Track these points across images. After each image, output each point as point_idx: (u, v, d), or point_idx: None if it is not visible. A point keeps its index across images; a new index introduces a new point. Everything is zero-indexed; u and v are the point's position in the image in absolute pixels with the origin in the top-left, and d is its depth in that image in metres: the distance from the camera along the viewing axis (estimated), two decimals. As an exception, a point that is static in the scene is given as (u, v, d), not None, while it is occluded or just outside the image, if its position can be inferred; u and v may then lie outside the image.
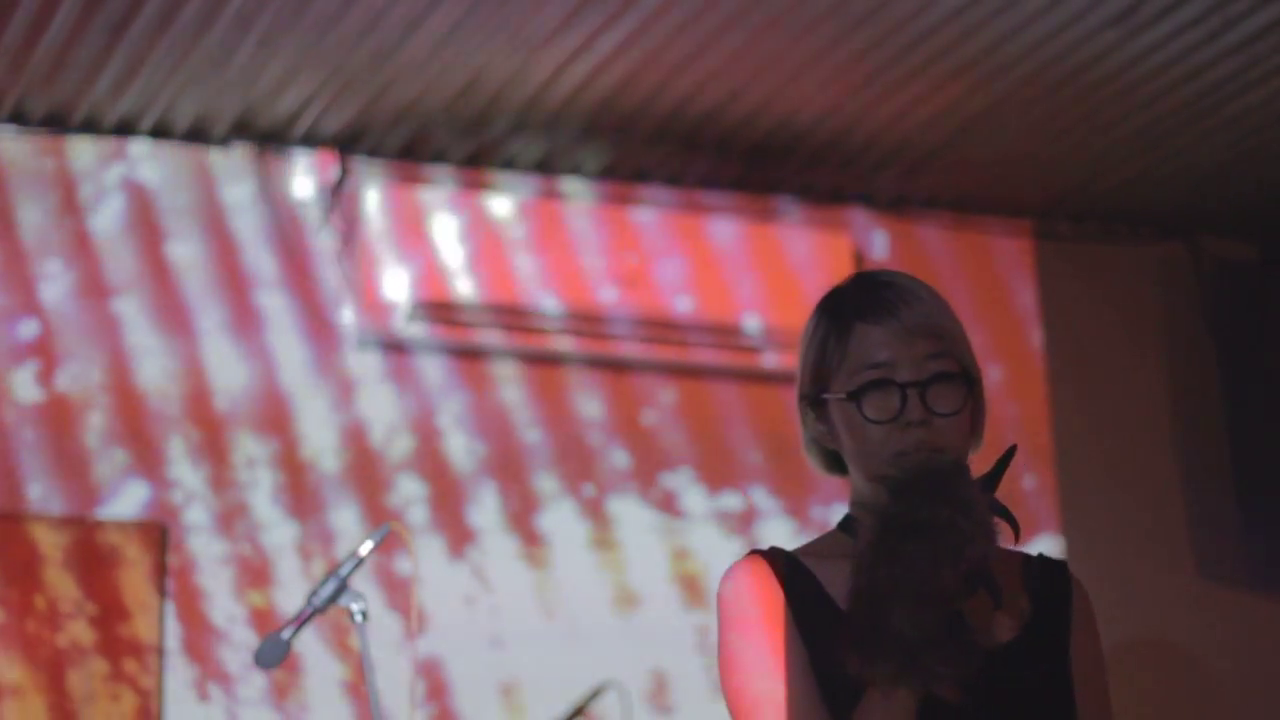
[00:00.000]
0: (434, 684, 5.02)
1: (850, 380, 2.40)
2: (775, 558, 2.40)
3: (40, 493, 4.88)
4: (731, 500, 5.40)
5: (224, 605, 4.95)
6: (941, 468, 2.34)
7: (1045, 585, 2.51)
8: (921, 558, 2.22)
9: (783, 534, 5.36)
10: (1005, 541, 2.36)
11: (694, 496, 5.37)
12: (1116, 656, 5.74)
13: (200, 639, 4.91)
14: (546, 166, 5.37)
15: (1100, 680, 2.56)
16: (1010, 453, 2.45)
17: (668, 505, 5.35)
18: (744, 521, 5.39)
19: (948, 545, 2.23)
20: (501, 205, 5.22)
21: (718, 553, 5.28)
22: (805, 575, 2.38)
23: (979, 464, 2.44)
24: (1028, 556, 2.53)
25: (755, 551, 2.41)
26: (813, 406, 2.46)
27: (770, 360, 5.40)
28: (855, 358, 2.41)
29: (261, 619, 4.91)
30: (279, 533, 5.03)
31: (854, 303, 2.44)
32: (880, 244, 5.64)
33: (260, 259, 5.15)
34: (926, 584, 2.21)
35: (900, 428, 2.38)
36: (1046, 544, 5.55)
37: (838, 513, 2.50)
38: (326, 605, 3.99)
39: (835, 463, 2.47)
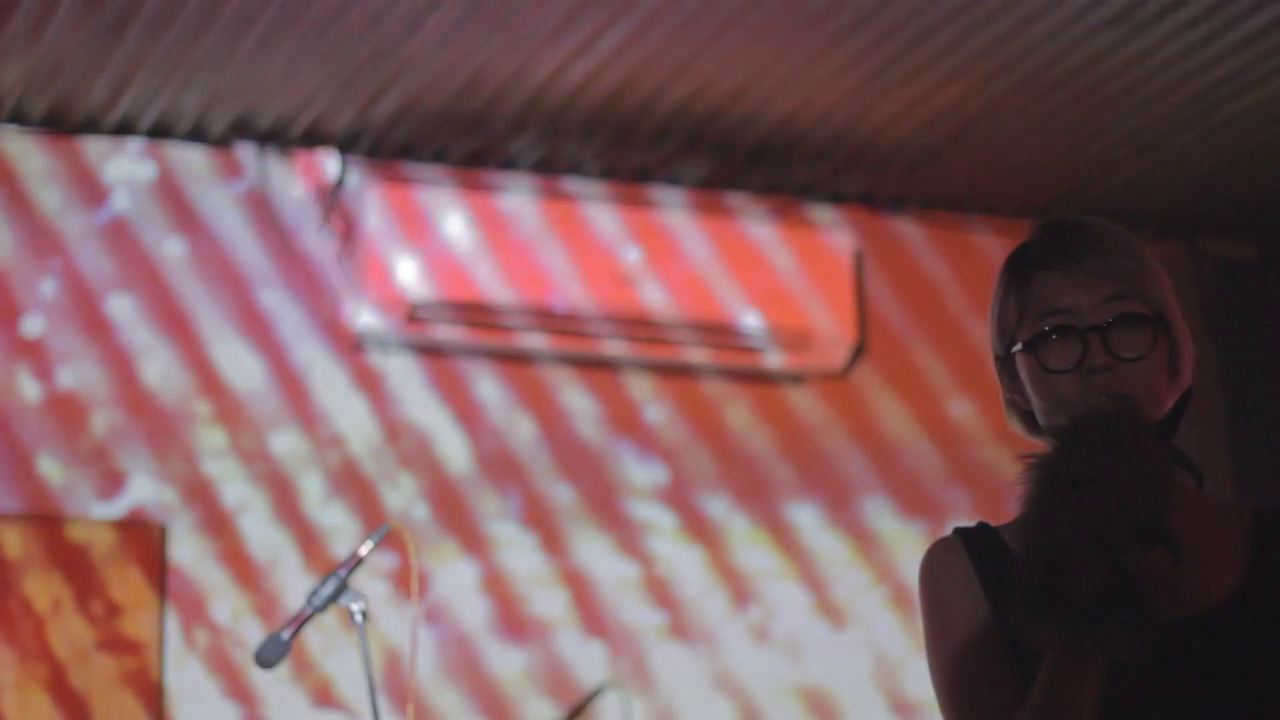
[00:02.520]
0: (435, 683, 5.02)
1: (1030, 330, 2.31)
2: (970, 532, 2.31)
3: (39, 492, 4.88)
4: (749, 504, 5.42)
5: (224, 604, 4.95)
6: (1109, 415, 2.18)
7: (1273, 541, 2.27)
8: (1084, 515, 2.07)
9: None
10: (1185, 491, 2.23)
11: (715, 503, 5.38)
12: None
13: (200, 638, 4.91)
14: (546, 166, 5.37)
15: None
16: (1188, 395, 2.30)
17: (689, 510, 5.36)
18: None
19: (1113, 499, 2.07)
20: (501, 205, 5.22)
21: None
22: (998, 547, 2.27)
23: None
24: (1260, 509, 2.31)
25: (958, 529, 2.32)
26: (1003, 365, 2.37)
27: (771, 360, 5.40)
28: (1035, 307, 2.31)
29: (261, 618, 4.91)
30: (279, 531, 5.03)
31: (1035, 251, 2.34)
32: (880, 244, 5.64)
33: (259, 259, 5.16)
34: (1091, 543, 2.06)
35: (1084, 375, 2.24)
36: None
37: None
38: (326, 605, 3.99)
39: (1035, 424, 2.34)
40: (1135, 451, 2.11)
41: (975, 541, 2.29)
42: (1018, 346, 2.33)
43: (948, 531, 2.35)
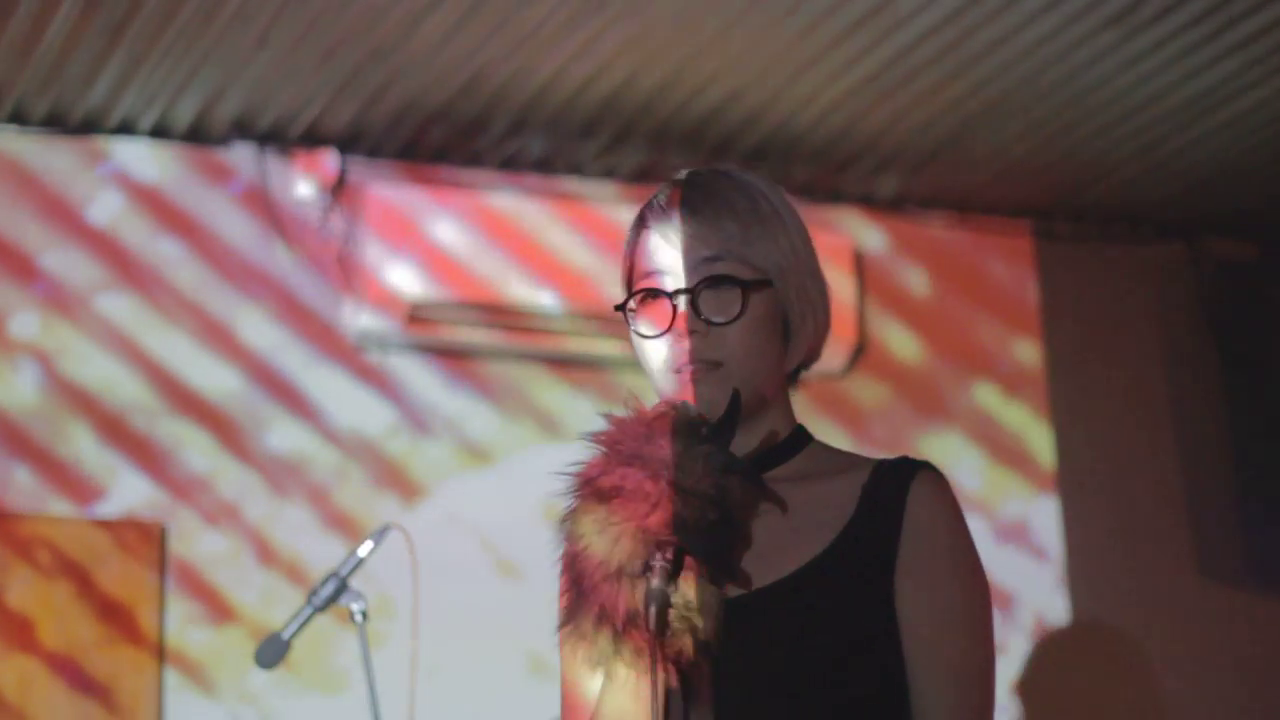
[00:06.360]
0: (435, 682, 5.02)
1: (631, 292, 2.24)
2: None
3: (40, 491, 4.88)
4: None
5: (223, 604, 4.95)
6: (647, 419, 2.08)
7: (877, 499, 2.14)
8: (603, 530, 2.03)
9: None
10: (811, 455, 2.17)
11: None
12: (1117, 655, 5.77)
13: (200, 638, 4.91)
14: (547, 166, 5.37)
15: (938, 611, 2.10)
16: (735, 399, 2.13)
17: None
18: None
19: (628, 514, 2.02)
20: (501, 205, 5.22)
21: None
22: None
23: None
24: (881, 464, 2.18)
25: None
26: (627, 321, 2.25)
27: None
28: (638, 269, 2.23)
29: (260, 618, 4.91)
30: (279, 531, 5.03)
31: (647, 211, 2.25)
32: (880, 244, 5.64)
33: (260, 259, 5.16)
34: (609, 559, 2.02)
35: (675, 340, 2.17)
36: (1046, 542, 5.55)
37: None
38: (326, 605, 3.99)
39: None
40: (664, 463, 2.03)
41: None
42: (622, 311, 2.24)
43: None
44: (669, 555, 2.00)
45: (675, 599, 2.00)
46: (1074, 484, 5.63)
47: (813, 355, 2.25)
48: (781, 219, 2.22)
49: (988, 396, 5.63)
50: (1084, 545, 5.57)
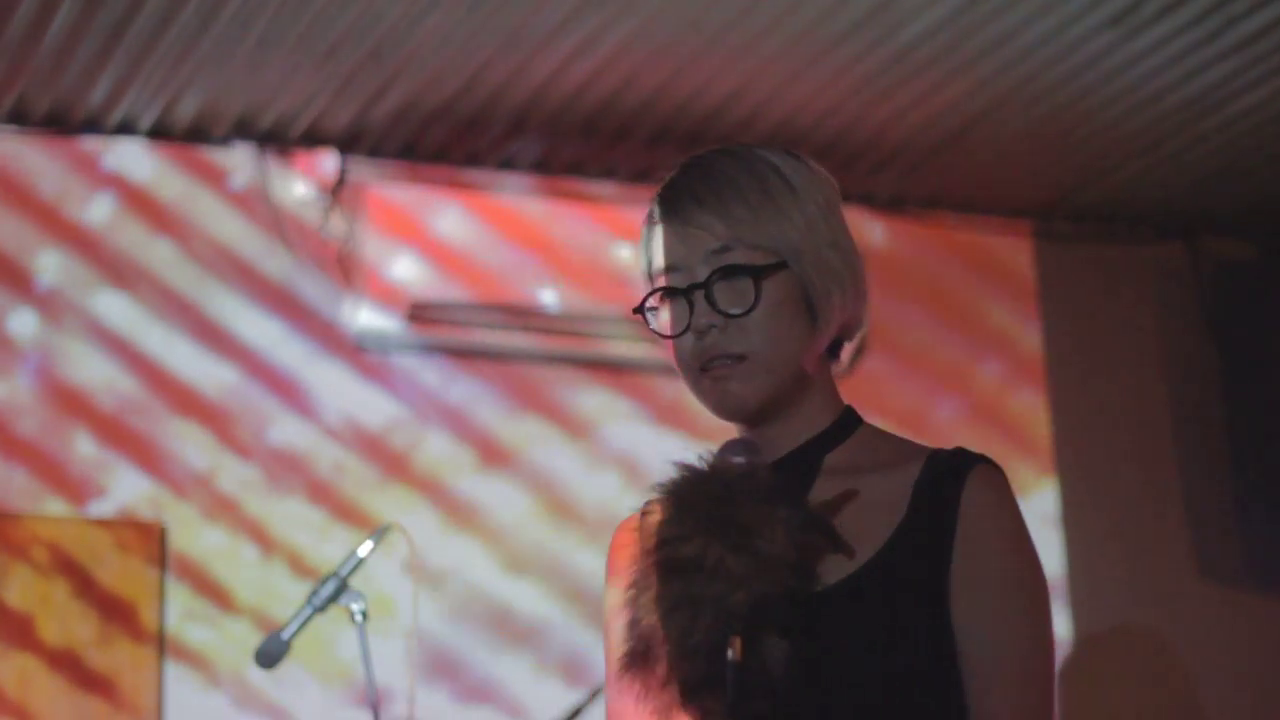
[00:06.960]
0: (436, 682, 5.02)
1: (648, 291, 2.16)
2: (647, 511, 2.07)
3: (37, 490, 4.88)
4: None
5: (223, 604, 4.95)
6: (724, 477, 1.99)
7: (930, 496, 2.06)
8: (680, 606, 1.94)
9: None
10: (866, 445, 2.10)
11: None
12: (1117, 656, 5.76)
13: (200, 633, 4.91)
14: (547, 166, 5.37)
15: (996, 612, 2.03)
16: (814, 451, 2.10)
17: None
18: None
19: (710, 595, 1.93)
20: (501, 205, 5.22)
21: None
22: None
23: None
24: (935, 454, 2.10)
25: (648, 502, 2.08)
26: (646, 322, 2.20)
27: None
28: (654, 266, 2.17)
29: (261, 618, 4.91)
30: (278, 531, 5.03)
31: (657, 199, 2.21)
32: (880, 243, 5.64)
33: (259, 259, 5.16)
34: (685, 637, 1.93)
35: (696, 336, 2.11)
36: (1046, 542, 5.55)
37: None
38: (326, 605, 3.99)
39: None
40: (747, 530, 1.94)
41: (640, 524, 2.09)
42: (640, 313, 2.17)
43: None
44: (749, 630, 1.93)
45: (752, 663, 1.93)
46: (1074, 484, 5.63)
47: (850, 327, 2.17)
48: (795, 193, 2.14)
49: (988, 396, 5.63)
50: (1083, 546, 5.56)
